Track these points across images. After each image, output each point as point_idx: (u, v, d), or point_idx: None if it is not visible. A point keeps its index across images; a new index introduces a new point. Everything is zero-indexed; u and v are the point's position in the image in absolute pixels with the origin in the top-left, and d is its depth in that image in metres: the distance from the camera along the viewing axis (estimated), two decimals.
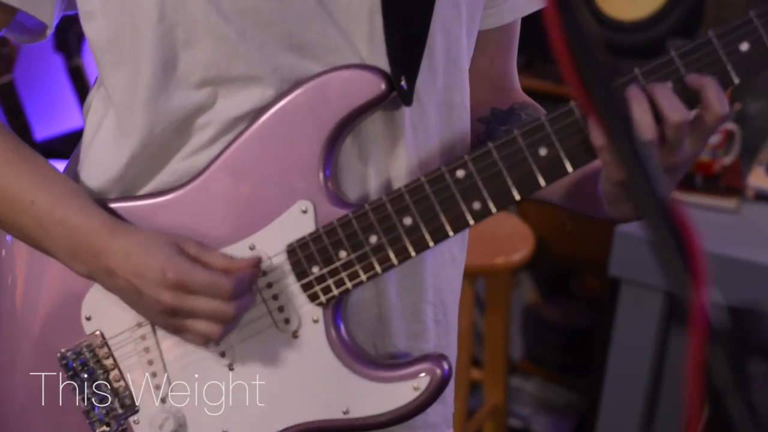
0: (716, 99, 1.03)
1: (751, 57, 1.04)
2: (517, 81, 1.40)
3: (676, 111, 1.03)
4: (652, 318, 2.50)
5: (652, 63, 1.06)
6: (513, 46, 1.38)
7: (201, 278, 1.09)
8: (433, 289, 1.29)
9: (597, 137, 1.04)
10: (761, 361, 0.61)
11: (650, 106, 1.03)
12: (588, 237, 3.13)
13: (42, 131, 3.06)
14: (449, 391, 1.36)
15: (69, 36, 3.07)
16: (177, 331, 1.14)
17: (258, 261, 1.14)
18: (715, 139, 2.61)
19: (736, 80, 1.05)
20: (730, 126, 2.68)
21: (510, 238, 2.66)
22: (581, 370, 3.44)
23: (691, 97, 1.05)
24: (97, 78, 1.26)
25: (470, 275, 2.54)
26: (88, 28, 1.16)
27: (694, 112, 1.06)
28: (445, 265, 1.31)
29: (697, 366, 0.60)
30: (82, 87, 3.09)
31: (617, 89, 0.70)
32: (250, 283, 1.13)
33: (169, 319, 1.12)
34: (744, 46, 1.04)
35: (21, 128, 2.85)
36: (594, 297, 3.44)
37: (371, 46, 1.13)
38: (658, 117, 1.04)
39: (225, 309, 1.09)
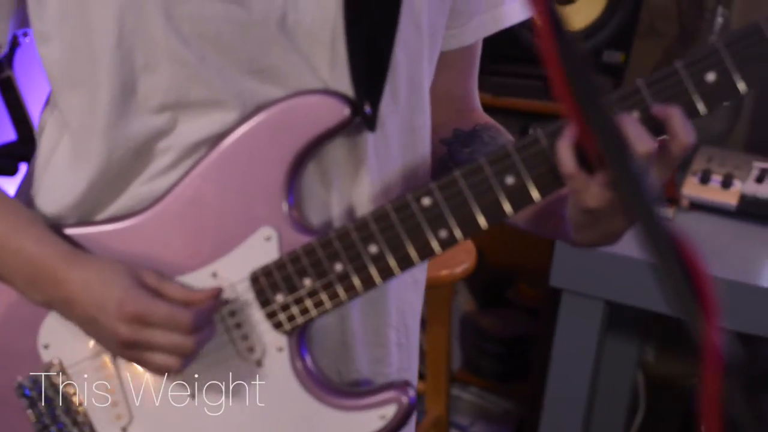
0: (682, 129, 1.03)
1: (718, 87, 1.04)
2: (478, 101, 1.40)
3: (642, 142, 1.02)
4: (592, 327, 2.54)
5: (618, 92, 1.06)
6: (474, 67, 1.38)
7: (160, 312, 1.07)
8: (397, 312, 1.29)
9: (566, 165, 1.04)
10: None
11: None
12: (524, 246, 3.15)
13: None
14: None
15: None
16: (135, 362, 1.13)
17: (218, 291, 1.13)
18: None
19: (703, 110, 1.05)
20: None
21: (452, 251, 2.65)
22: (518, 378, 3.47)
23: (657, 126, 1.04)
24: (49, 99, 1.24)
25: None
26: (43, 49, 1.14)
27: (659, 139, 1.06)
28: (408, 289, 1.31)
29: (713, 400, 0.60)
30: (12, 99, 3.03)
31: (611, 111, 0.70)
32: (210, 315, 1.12)
33: (126, 351, 1.11)
34: (710, 77, 1.04)
35: None
36: (530, 306, 3.47)
37: (333, 71, 1.12)
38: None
39: (184, 342, 1.08)
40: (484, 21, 1.30)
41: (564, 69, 0.70)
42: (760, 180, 2.58)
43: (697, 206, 2.64)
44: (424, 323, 3.08)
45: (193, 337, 1.08)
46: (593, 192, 1.04)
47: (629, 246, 2.41)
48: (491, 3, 1.29)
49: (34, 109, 2.93)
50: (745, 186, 2.57)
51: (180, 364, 1.10)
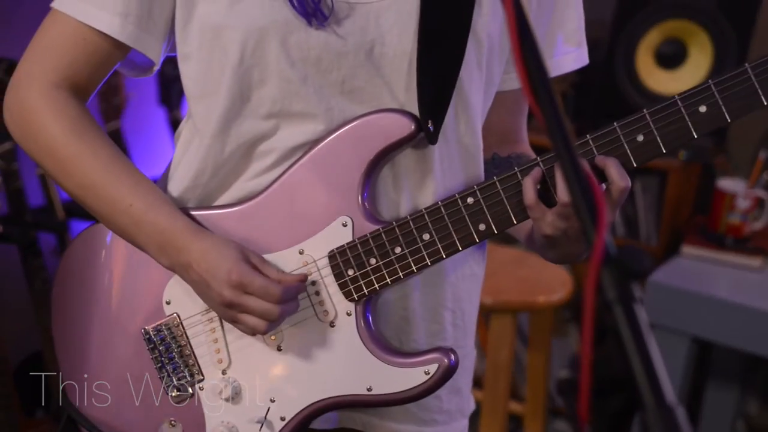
0: (618, 175, 1.30)
1: (646, 147, 1.32)
2: (525, 134, 1.64)
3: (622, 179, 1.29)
4: (679, 360, 2.69)
5: (600, 132, 1.33)
6: (524, 107, 1.61)
7: (257, 283, 1.33)
8: (453, 297, 1.52)
9: (527, 197, 1.32)
10: (638, 286, 0.82)
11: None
12: None
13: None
14: (466, 386, 1.61)
15: (171, 92, 3.38)
16: (231, 321, 1.39)
17: (305, 277, 1.39)
18: (745, 204, 2.81)
19: (634, 164, 1.32)
20: (761, 194, 2.87)
21: (551, 282, 2.87)
22: (617, 415, 3.55)
23: (600, 174, 1.31)
24: (187, 111, 1.52)
25: (514, 311, 2.78)
26: (183, 66, 1.43)
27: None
28: (465, 279, 1.55)
29: (592, 285, 0.81)
30: None
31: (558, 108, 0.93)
32: (296, 293, 1.38)
33: (226, 310, 1.37)
34: (640, 138, 1.31)
35: None
36: None
37: (408, 95, 1.38)
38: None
39: (272, 310, 1.34)
40: None
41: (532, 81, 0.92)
42: None
43: None
44: (525, 345, 3.23)
45: (280, 308, 1.34)
46: (548, 221, 1.34)
47: (715, 286, 2.57)
48: (545, 54, 1.51)
49: None
50: None
51: (266, 327, 1.35)
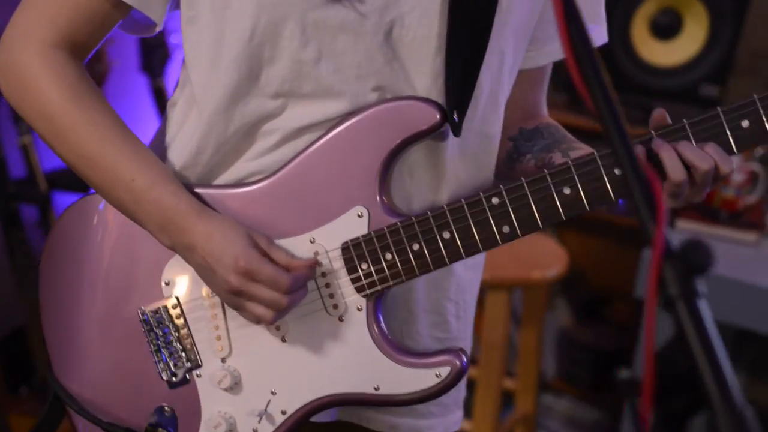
0: (722, 161, 1.24)
1: (750, 132, 1.25)
2: (545, 107, 1.59)
3: (704, 161, 1.23)
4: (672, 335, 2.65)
5: (666, 128, 1.27)
6: (544, 82, 1.57)
7: (266, 271, 1.27)
8: (456, 288, 1.49)
9: (679, 173, 1.24)
10: (702, 281, 0.78)
11: (677, 156, 1.24)
12: (619, 268, 3.27)
13: None
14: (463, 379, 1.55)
15: (154, 59, 3.32)
16: (237, 308, 1.33)
17: (314, 263, 1.33)
18: (739, 178, 2.79)
19: (735, 150, 1.27)
20: (755, 167, 2.84)
21: (546, 257, 2.83)
22: (608, 389, 3.58)
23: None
24: (179, 80, 1.45)
25: (508, 287, 2.74)
26: (187, 30, 1.35)
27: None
28: (468, 269, 1.51)
29: (654, 281, 0.78)
30: (162, 105, 3.31)
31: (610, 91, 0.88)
32: (305, 281, 1.32)
33: (232, 297, 1.31)
34: (745, 123, 1.25)
35: None
36: (623, 323, 3.59)
37: (428, 81, 1.32)
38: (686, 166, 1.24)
39: (280, 300, 1.28)
40: (556, 48, 1.49)
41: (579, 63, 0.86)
42: None
43: None
44: (518, 324, 3.23)
45: (288, 297, 1.29)
46: (688, 194, 1.28)
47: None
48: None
49: None
50: None
51: (273, 317, 1.30)
